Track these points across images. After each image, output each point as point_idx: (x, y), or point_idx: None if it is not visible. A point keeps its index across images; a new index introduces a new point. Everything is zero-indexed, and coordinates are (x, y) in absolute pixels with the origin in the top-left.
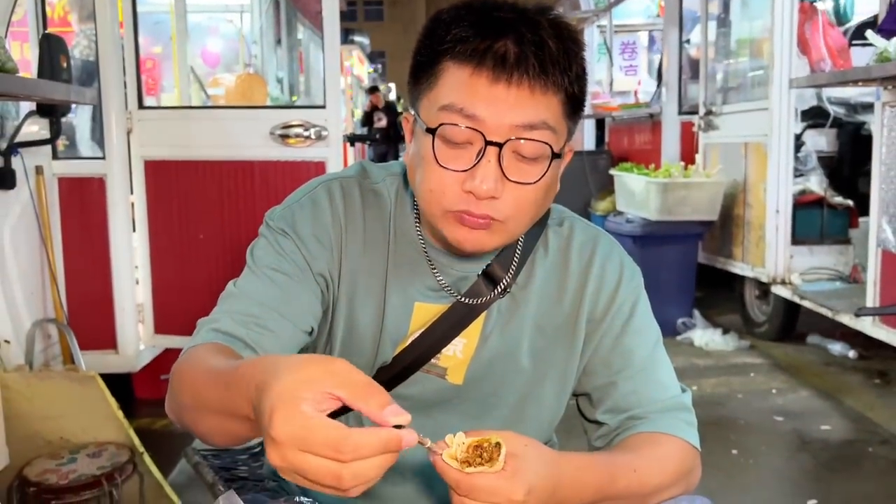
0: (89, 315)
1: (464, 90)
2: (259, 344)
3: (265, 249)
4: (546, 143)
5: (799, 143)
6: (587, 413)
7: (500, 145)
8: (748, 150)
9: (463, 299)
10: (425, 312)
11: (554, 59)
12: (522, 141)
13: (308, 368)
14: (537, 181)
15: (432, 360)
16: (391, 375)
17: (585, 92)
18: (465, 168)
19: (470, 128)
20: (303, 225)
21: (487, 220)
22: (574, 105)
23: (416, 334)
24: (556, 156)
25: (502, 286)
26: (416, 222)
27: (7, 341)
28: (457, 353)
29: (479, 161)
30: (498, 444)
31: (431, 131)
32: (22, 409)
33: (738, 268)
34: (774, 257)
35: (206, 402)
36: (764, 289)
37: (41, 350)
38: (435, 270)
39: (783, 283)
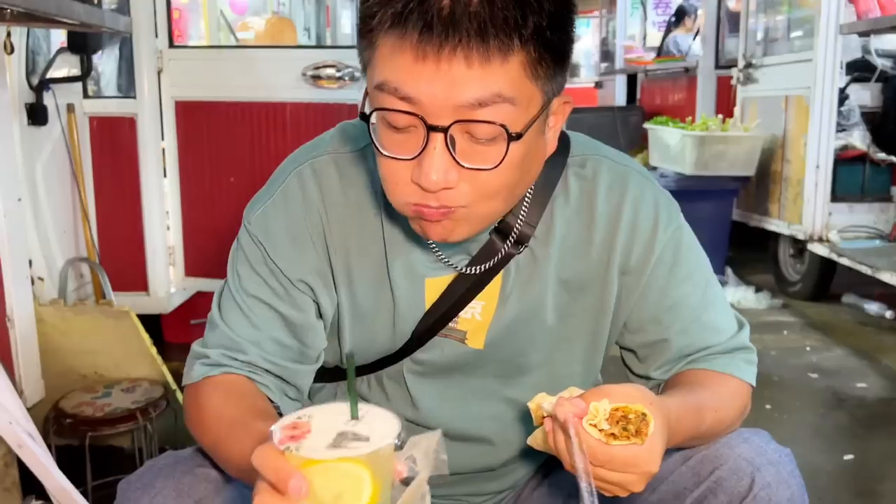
0: (121, 256)
1: (392, 66)
2: (254, 373)
3: (244, 266)
4: (498, 124)
5: (843, 96)
6: (635, 368)
7: (444, 130)
8: (789, 104)
9: (468, 270)
10: (440, 284)
11: (499, 16)
12: (471, 123)
13: None
14: (497, 166)
15: (450, 325)
16: (408, 343)
17: (567, 38)
18: (411, 156)
19: (408, 112)
20: (277, 229)
21: (446, 211)
22: (550, 58)
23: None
24: (513, 137)
25: (512, 239)
26: None
27: (41, 278)
28: (475, 316)
29: (424, 149)
30: (644, 416)
31: (366, 118)
32: (57, 344)
33: (774, 225)
34: (812, 214)
35: (228, 456)
36: (799, 247)
37: (74, 289)
38: (433, 246)
39: (820, 240)
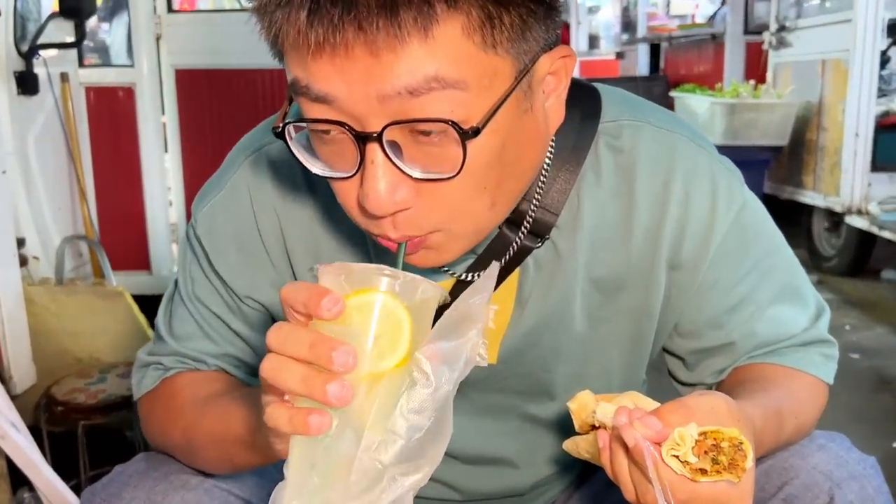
0: (120, 233)
1: (299, 61)
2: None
3: (195, 271)
4: (442, 121)
5: (884, 59)
6: (681, 375)
7: (376, 137)
8: (826, 69)
9: (468, 276)
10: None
11: None
12: (408, 123)
13: None
14: (456, 174)
15: None
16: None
17: None
18: (350, 173)
19: (330, 121)
20: (222, 234)
21: (417, 241)
22: (511, 10)
23: None
24: (467, 134)
25: (526, 228)
26: None
27: (36, 257)
28: (488, 323)
29: (361, 164)
30: (741, 445)
31: (279, 134)
32: (49, 325)
33: (809, 197)
34: (851, 185)
35: (201, 448)
36: (835, 220)
37: (71, 268)
38: None
39: (859, 212)
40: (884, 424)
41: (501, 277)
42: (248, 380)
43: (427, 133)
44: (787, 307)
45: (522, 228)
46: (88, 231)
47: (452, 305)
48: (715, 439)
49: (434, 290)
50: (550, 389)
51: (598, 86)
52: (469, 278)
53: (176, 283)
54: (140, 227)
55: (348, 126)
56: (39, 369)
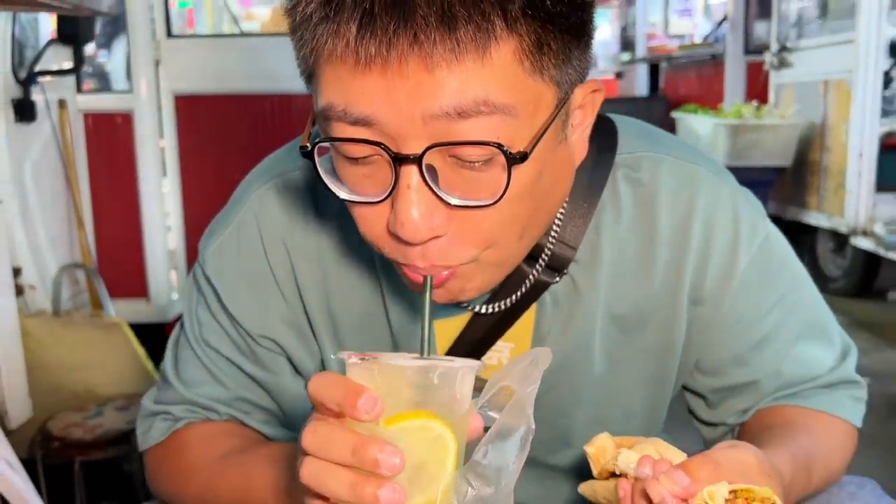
0: (118, 261)
1: (336, 78)
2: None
3: (203, 314)
4: (490, 145)
5: (887, 79)
6: (703, 414)
7: (417, 160)
8: (828, 89)
9: (485, 308)
10: (452, 327)
11: None
12: (454, 146)
13: None
14: (498, 200)
15: None
16: None
17: (582, 4)
18: (380, 196)
19: (366, 141)
20: (232, 271)
21: (447, 275)
22: (559, 37)
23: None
24: (515, 159)
25: (543, 263)
26: None
27: (32, 287)
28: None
29: (395, 187)
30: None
31: (307, 154)
32: (45, 358)
33: (813, 218)
34: (855, 205)
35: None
36: (840, 241)
37: (69, 297)
38: None
39: (864, 233)
40: None
41: (517, 314)
42: (261, 428)
43: (469, 160)
44: (812, 346)
45: (539, 263)
46: (86, 259)
47: (502, 414)
48: (746, 499)
49: (471, 372)
50: (569, 437)
51: (613, 116)
52: (485, 311)
53: (182, 325)
54: (138, 255)
55: (384, 147)
56: (35, 403)
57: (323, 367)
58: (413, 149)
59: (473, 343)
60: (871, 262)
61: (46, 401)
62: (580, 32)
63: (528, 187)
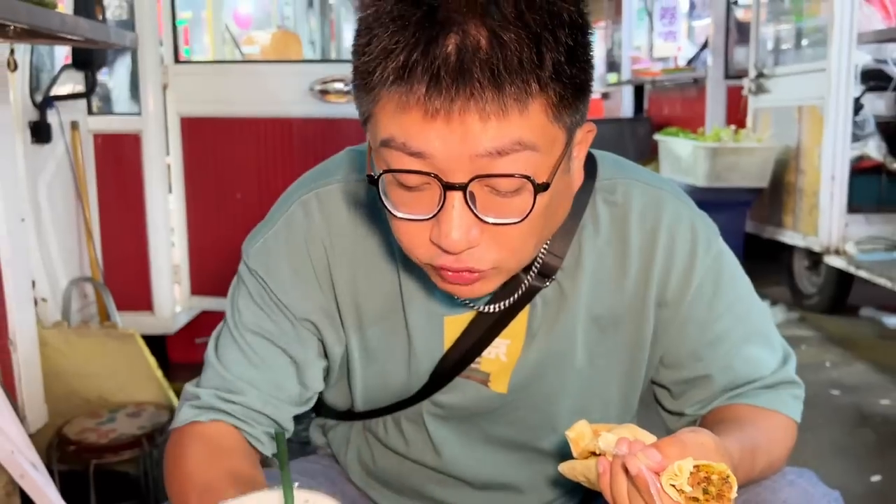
0: (125, 275)
1: (398, 123)
2: (245, 421)
3: (244, 301)
4: (522, 177)
5: (857, 106)
6: (668, 404)
7: (463, 188)
8: (802, 114)
9: (487, 308)
10: (459, 323)
11: (513, 60)
12: (492, 178)
13: None
14: (524, 219)
15: (472, 365)
16: (425, 385)
17: (588, 66)
18: (428, 215)
19: (420, 172)
20: (279, 264)
21: (474, 275)
22: (572, 94)
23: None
24: (540, 188)
25: (535, 271)
26: None
27: (44, 300)
28: (500, 357)
29: (441, 208)
30: (727, 479)
31: (373, 181)
32: (60, 367)
33: (788, 237)
34: (828, 226)
35: None
36: (815, 259)
37: (78, 309)
38: None
39: (837, 252)
40: (865, 459)
41: (513, 314)
42: (281, 406)
43: (502, 189)
44: (758, 349)
45: (532, 270)
46: (95, 273)
47: None
48: (707, 473)
49: None
50: (554, 423)
51: (593, 151)
52: (488, 311)
53: (224, 318)
54: (144, 269)
55: (437, 175)
56: (50, 409)
57: (347, 351)
58: (459, 178)
59: (476, 339)
60: (843, 279)
61: (61, 407)
62: (585, 88)
63: (544, 209)
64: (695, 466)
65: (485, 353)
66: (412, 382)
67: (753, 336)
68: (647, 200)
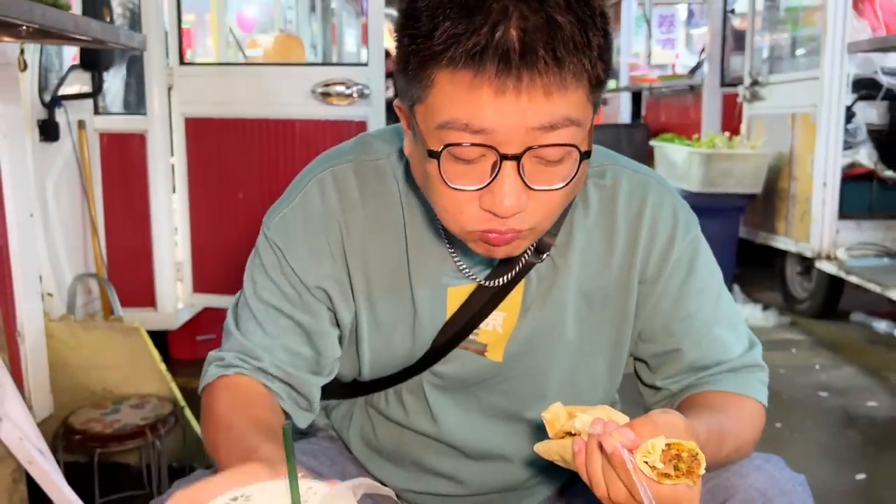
0: (129, 271)
1: (465, 102)
2: (267, 377)
3: (261, 273)
4: (571, 146)
5: (849, 114)
6: (645, 377)
7: (517, 158)
8: (795, 122)
9: (487, 282)
10: (461, 294)
11: (569, 41)
12: (543, 148)
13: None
14: (566, 184)
15: (470, 336)
16: (427, 354)
17: (611, 59)
18: (480, 186)
19: (480, 144)
20: (296, 236)
21: (516, 234)
22: (599, 82)
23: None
24: (584, 155)
25: (532, 247)
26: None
27: (50, 294)
28: (497, 328)
29: (495, 176)
30: (696, 456)
31: (435, 155)
32: (67, 359)
33: (781, 242)
34: (820, 232)
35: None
36: (807, 264)
37: (82, 304)
38: (455, 256)
39: (828, 258)
40: (850, 459)
41: (510, 287)
42: (295, 373)
43: (550, 159)
44: (726, 332)
45: (529, 247)
46: (99, 269)
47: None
48: (677, 450)
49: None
50: (544, 392)
51: None
52: (489, 284)
53: (242, 289)
54: (147, 266)
55: (495, 148)
56: (55, 400)
57: (356, 321)
58: (514, 150)
59: (475, 310)
60: (834, 284)
61: (67, 398)
62: (609, 74)
63: (580, 176)
64: (666, 444)
65: (482, 325)
66: (416, 350)
67: (722, 320)
68: (633, 185)
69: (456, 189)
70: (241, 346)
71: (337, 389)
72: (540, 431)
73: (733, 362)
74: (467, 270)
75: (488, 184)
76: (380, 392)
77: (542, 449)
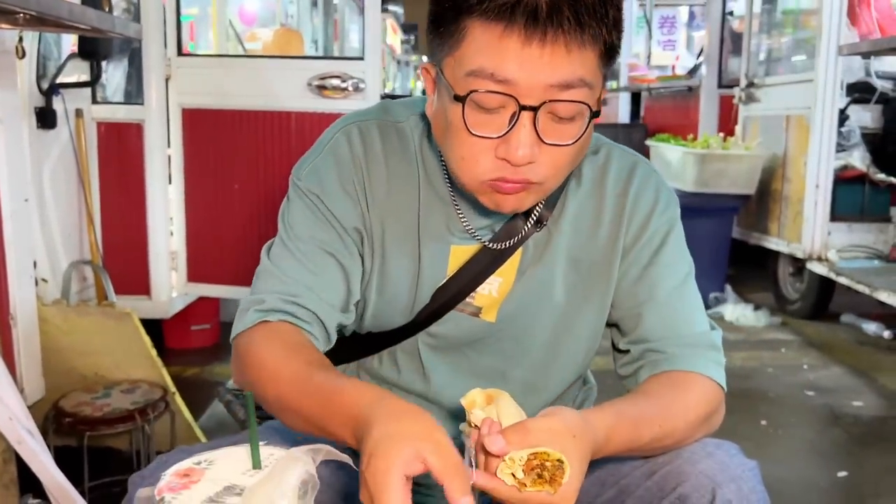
0: (123, 259)
1: (493, 52)
2: (307, 321)
3: (297, 216)
4: (584, 103)
5: (843, 117)
6: (615, 341)
7: (535, 109)
8: (790, 123)
9: (491, 244)
10: (463, 254)
11: (591, 7)
12: (559, 103)
13: (412, 425)
14: (575, 141)
15: (467, 300)
16: (426, 314)
17: (622, 37)
18: (498, 134)
19: (502, 93)
20: (329, 181)
21: (525, 183)
22: (610, 54)
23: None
24: (594, 114)
25: (534, 217)
26: (442, 164)
27: (44, 280)
28: (492, 292)
29: (513, 126)
30: (560, 462)
31: (461, 99)
32: (59, 344)
33: (773, 243)
34: (812, 233)
35: (296, 409)
36: (798, 265)
37: (76, 291)
38: (462, 217)
39: (819, 259)
40: (833, 456)
41: (509, 253)
42: (334, 312)
43: (562, 116)
44: (688, 310)
45: (530, 219)
46: (94, 256)
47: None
48: (541, 460)
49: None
50: (530, 354)
51: None
52: (492, 246)
53: (276, 237)
54: (142, 254)
55: (515, 98)
56: (47, 383)
57: (370, 266)
58: (533, 102)
59: (474, 273)
60: (825, 286)
61: (56, 383)
62: (616, 55)
63: (585, 139)
64: (532, 454)
65: (479, 289)
66: (414, 307)
67: (685, 298)
68: (623, 163)
69: (475, 136)
70: (282, 284)
71: (331, 352)
72: (523, 392)
73: (693, 337)
74: (473, 231)
75: (506, 133)
76: (373, 354)
77: (465, 429)
